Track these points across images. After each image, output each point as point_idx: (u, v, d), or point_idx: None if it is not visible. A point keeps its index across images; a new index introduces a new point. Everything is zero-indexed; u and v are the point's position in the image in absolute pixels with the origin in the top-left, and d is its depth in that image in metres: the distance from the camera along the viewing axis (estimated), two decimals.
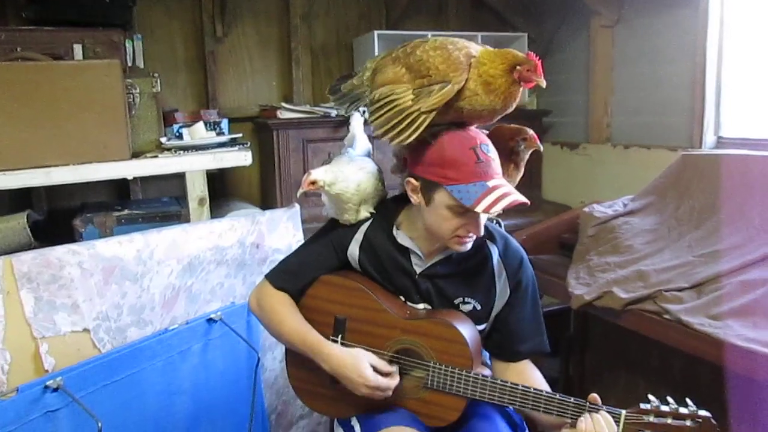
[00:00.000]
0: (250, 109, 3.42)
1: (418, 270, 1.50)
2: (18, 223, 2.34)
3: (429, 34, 3.39)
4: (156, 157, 2.46)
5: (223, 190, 3.41)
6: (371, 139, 1.74)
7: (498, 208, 1.27)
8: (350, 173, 1.52)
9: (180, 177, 2.59)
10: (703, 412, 1.23)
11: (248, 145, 2.60)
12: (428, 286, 1.49)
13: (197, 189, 2.50)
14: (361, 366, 1.40)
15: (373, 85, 1.42)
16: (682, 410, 1.24)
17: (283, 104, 2.99)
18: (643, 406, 1.26)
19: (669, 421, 1.23)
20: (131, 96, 2.58)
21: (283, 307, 1.55)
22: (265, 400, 2.25)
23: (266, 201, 3.38)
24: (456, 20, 3.89)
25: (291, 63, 3.51)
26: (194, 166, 2.47)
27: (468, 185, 1.29)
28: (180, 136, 2.68)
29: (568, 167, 3.55)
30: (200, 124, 2.72)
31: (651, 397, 1.26)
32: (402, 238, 1.49)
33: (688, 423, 1.22)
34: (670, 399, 1.26)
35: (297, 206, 2.44)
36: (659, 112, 3.00)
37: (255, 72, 3.49)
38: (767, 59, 2.53)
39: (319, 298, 1.55)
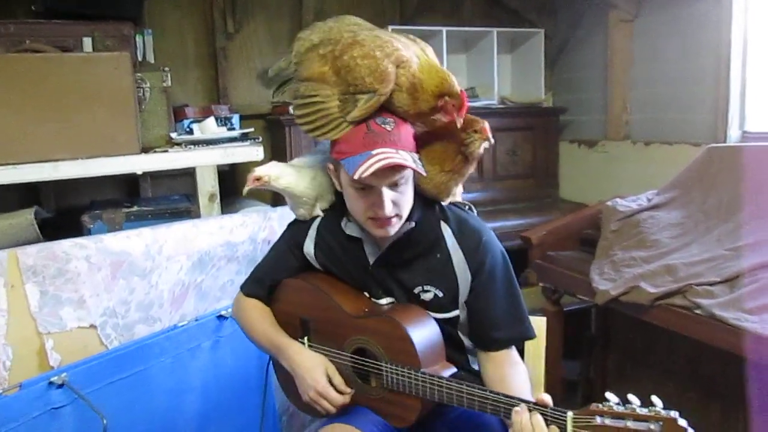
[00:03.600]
0: (262, 106, 3.37)
1: (371, 259, 1.44)
2: (25, 218, 2.29)
3: (444, 29, 3.38)
4: (166, 151, 2.41)
5: (233, 188, 3.35)
6: None
7: (370, 172, 1.21)
8: (303, 167, 1.49)
9: (190, 175, 2.55)
10: (669, 413, 1.05)
11: (260, 140, 2.55)
12: (384, 276, 1.43)
13: (208, 184, 2.44)
14: (316, 372, 1.39)
15: (297, 74, 1.38)
16: (642, 411, 1.07)
17: None
18: (594, 406, 1.09)
19: (628, 423, 1.06)
20: (141, 90, 2.54)
21: (252, 312, 1.55)
22: (276, 400, 2.19)
23: (277, 200, 3.32)
24: (471, 16, 3.83)
25: None
26: (205, 161, 2.42)
27: (355, 156, 1.25)
28: (190, 132, 2.63)
29: (586, 165, 3.48)
30: (211, 120, 2.67)
31: (609, 395, 1.10)
32: (351, 228, 1.44)
33: (652, 426, 1.05)
34: (632, 397, 1.09)
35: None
36: (680, 108, 2.92)
37: (266, 68, 3.44)
38: None
39: (288, 302, 1.54)
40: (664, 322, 1.65)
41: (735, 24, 2.58)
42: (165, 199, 2.91)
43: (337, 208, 1.48)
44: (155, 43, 2.96)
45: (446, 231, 1.41)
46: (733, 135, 2.61)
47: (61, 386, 1.52)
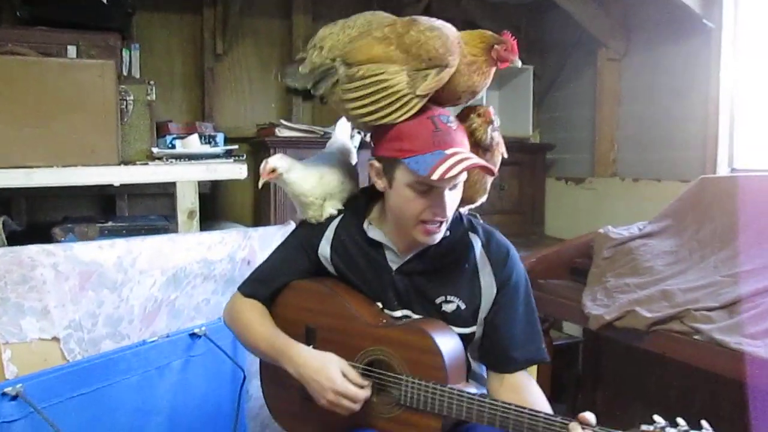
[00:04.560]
0: (247, 129, 3.32)
1: (393, 267, 1.37)
2: None
3: None
4: (146, 164, 2.33)
5: (214, 211, 3.28)
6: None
7: (455, 172, 1.17)
8: (313, 165, 1.45)
9: (170, 196, 2.47)
10: None
11: (244, 157, 2.49)
12: (406, 285, 1.36)
13: (188, 201, 2.36)
14: (330, 369, 1.26)
15: (348, 60, 1.31)
16: None
17: (282, 121, 2.89)
18: (645, 427, 1.08)
19: None
20: (124, 103, 2.47)
21: (251, 313, 1.44)
22: (248, 429, 2.07)
23: (259, 224, 3.25)
24: None
25: None
26: (186, 176, 2.35)
27: (425, 155, 1.20)
28: (173, 148, 2.56)
29: (573, 202, 3.46)
30: (195, 137, 2.60)
31: (657, 417, 1.08)
32: (374, 232, 1.37)
33: None
34: (680, 420, 1.07)
35: (292, 223, 2.31)
36: (669, 146, 2.93)
37: (254, 92, 3.42)
38: None
39: (291, 306, 1.44)
40: (661, 348, 1.59)
41: (723, 61, 2.60)
42: (142, 218, 2.82)
43: (358, 210, 1.42)
44: (142, 59, 2.93)
45: (475, 242, 1.36)
46: (722, 172, 2.61)
47: (15, 398, 1.39)
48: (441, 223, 1.27)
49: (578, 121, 3.57)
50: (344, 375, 1.27)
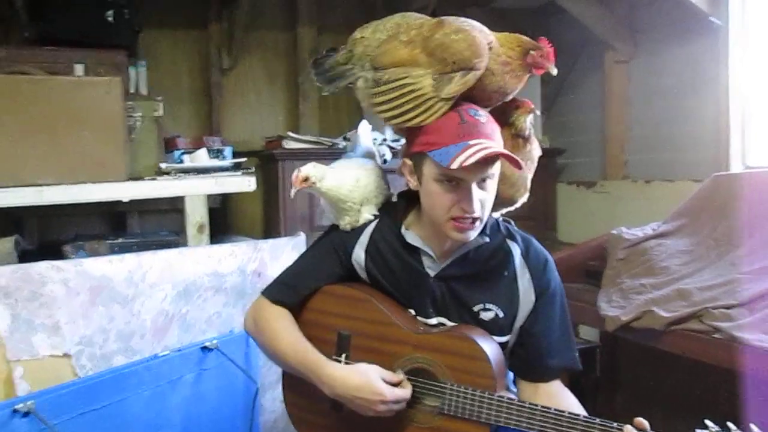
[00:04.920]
0: (256, 143, 3.33)
1: (431, 273, 1.34)
2: (3, 246, 2.21)
3: None
4: (154, 179, 2.34)
5: (224, 225, 3.28)
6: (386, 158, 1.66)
7: (473, 160, 1.14)
8: (345, 169, 1.41)
9: (180, 212, 2.47)
10: None
11: (252, 170, 2.49)
12: (443, 291, 1.33)
13: (197, 214, 2.36)
14: (373, 382, 1.23)
15: (376, 64, 1.32)
16: None
17: (290, 133, 2.90)
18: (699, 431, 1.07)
19: None
20: (132, 119, 2.49)
21: (279, 322, 1.38)
22: None
23: (269, 237, 3.24)
24: None
25: (298, 97, 3.44)
26: (195, 190, 2.35)
27: (449, 147, 1.18)
28: (181, 162, 2.57)
29: (585, 206, 3.42)
30: (203, 151, 2.61)
31: (708, 422, 1.08)
32: (411, 237, 1.34)
33: None
34: (731, 425, 1.07)
35: (302, 235, 2.30)
36: (681, 146, 2.89)
37: (261, 105, 3.43)
38: None
39: (321, 312, 1.39)
40: (679, 348, 1.55)
41: (732, 59, 2.58)
42: (152, 233, 2.82)
43: (394, 214, 1.39)
44: (149, 75, 2.95)
45: (515, 249, 1.34)
46: (736, 170, 2.57)
47: (27, 415, 1.38)
48: (474, 220, 1.23)
49: (588, 124, 3.54)
50: (383, 381, 1.24)
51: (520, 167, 1.21)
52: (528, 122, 1.33)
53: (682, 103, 2.87)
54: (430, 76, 1.24)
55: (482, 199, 1.23)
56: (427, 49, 1.26)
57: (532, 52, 1.24)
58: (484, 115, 1.24)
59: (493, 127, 1.24)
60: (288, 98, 3.47)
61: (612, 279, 1.86)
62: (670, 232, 1.97)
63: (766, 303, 1.49)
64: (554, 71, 1.27)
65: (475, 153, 1.15)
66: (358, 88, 1.36)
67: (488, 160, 1.18)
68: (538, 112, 1.34)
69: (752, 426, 1.06)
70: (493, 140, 1.22)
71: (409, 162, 1.30)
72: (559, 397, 1.28)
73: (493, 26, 1.31)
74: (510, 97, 1.31)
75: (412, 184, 1.31)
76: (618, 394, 2.15)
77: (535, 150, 1.38)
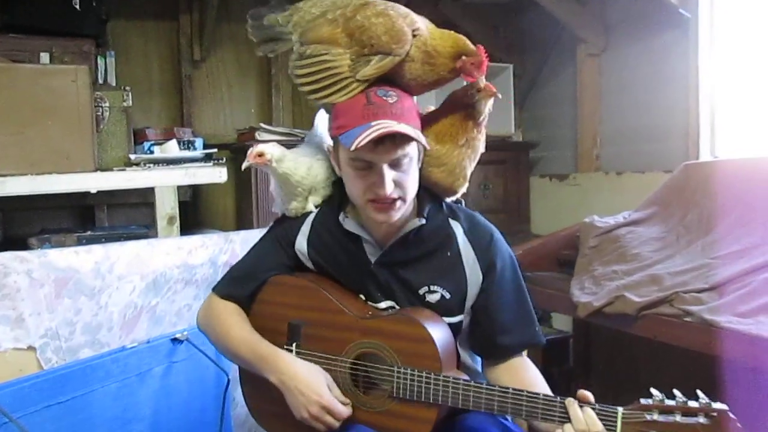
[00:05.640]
0: (227, 136, 3.29)
1: (372, 259, 1.33)
2: None
3: None
4: (123, 170, 2.29)
5: (195, 219, 3.23)
6: None
7: (366, 141, 1.13)
8: (301, 155, 1.42)
9: (150, 206, 2.42)
10: (718, 405, 1.04)
11: (224, 160, 2.45)
12: (387, 276, 1.32)
13: (167, 206, 2.32)
14: (320, 383, 1.24)
15: (302, 38, 1.31)
16: (692, 404, 1.04)
17: (262, 125, 2.86)
18: (644, 401, 1.06)
19: (677, 418, 1.04)
20: (100, 110, 2.43)
21: (229, 317, 1.37)
22: None
23: (241, 225, 3.21)
24: None
25: (271, 90, 3.41)
26: (164, 181, 2.30)
27: (354, 129, 1.17)
28: (151, 154, 2.52)
29: (558, 199, 3.44)
30: (173, 142, 2.57)
31: (654, 390, 1.07)
32: (350, 224, 1.33)
33: (701, 420, 1.03)
34: (677, 392, 1.07)
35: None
36: (652, 138, 2.93)
37: (233, 98, 3.38)
38: (760, 76, 2.48)
39: (271, 303, 1.39)
40: (651, 332, 1.56)
41: (702, 51, 2.61)
42: (122, 227, 2.76)
43: (334, 203, 1.38)
44: (118, 67, 2.89)
45: (457, 228, 1.33)
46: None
47: None
48: (394, 201, 1.22)
49: (560, 118, 3.57)
50: (330, 390, 1.25)
51: (424, 146, 1.22)
52: (487, 108, 1.29)
53: (653, 96, 2.91)
54: (349, 57, 1.24)
55: (397, 179, 1.21)
56: (348, 30, 1.26)
57: (464, 57, 1.21)
58: (394, 95, 1.22)
59: (402, 107, 1.22)
60: (260, 91, 3.43)
61: (584, 266, 1.87)
62: (642, 219, 1.99)
63: (736, 286, 1.51)
64: (482, 83, 1.24)
65: (371, 133, 1.14)
66: (290, 59, 1.34)
67: (397, 141, 1.17)
68: (500, 95, 1.32)
69: (698, 392, 1.06)
70: (401, 120, 1.19)
71: (330, 147, 1.32)
72: (520, 370, 1.28)
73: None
74: (428, 90, 1.29)
75: (336, 168, 1.32)
76: (591, 382, 2.16)
77: (481, 142, 1.34)
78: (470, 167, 1.36)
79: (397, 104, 1.21)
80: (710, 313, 1.43)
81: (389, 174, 1.20)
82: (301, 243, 1.38)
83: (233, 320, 1.37)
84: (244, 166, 1.37)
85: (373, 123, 1.16)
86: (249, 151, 1.35)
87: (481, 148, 1.37)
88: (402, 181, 1.22)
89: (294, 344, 1.32)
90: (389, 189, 1.20)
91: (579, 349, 2.27)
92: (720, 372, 1.42)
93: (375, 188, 1.21)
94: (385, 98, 1.20)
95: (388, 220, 1.24)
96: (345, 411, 1.24)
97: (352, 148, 1.14)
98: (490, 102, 1.29)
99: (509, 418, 1.37)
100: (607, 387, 2.10)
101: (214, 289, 1.44)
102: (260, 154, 1.34)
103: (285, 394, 1.26)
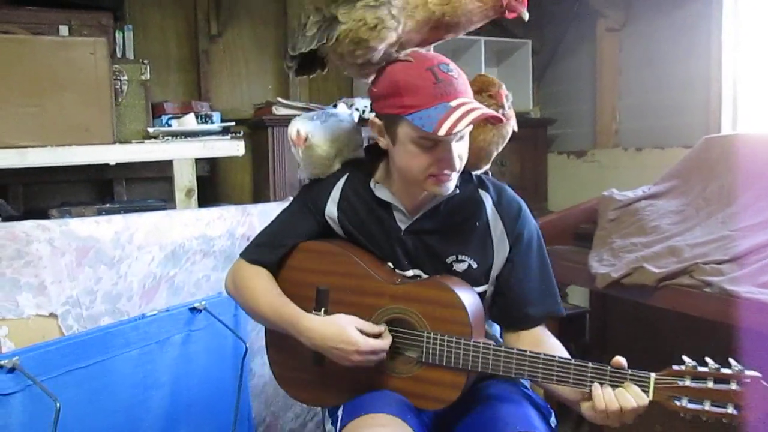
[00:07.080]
0: (244, 111, 3.28)
1: (402, 227, 1.33)
2: None
3: None
4: (142, 143, 2.31)
5: (213, 193, 3.25)
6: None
7: (463, 126, 1.13)
8: (321, 122, 1.43)
9: (168, 180, 2.44)
10: (751, 372, 1.04)
11: (241, 134, 2.45)
12: (416, 245, 1.33)
13: (185, 179, 2.34)
14: (348, 332, 1.22)
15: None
16: (725, 371, 1.04)
17: (279, 99, 2.86)
18: (676, 367, 1.08)
19: (710, 384, 1.05)
20: (119, 83, 2.45)
21: (256, 281, 1.38)
22: (252, 409, 2.04)
23: (258, 198, 3.22)
24: None
25: None
26: (183, 154, 2.32)
27: (429, 110, 1.15)
28: (169, 127, 2.54)
29: (576, 176, 3.42)
30: (191, 116, 2.58)
31: (685, 358, 1.08)
32: (381, 191, 1.34)
33: (733, 386, 1.03)
34: (708, 359, 1.08)
35: (291, 199, 2.28)
36: (672, 113, 2.89)
37: (250, 73, 3.37)
38: None
39: (299, 269, 1.39)
40: (670, 303, 1.55)
41: (725, 25, 2.56)
42: (140, 201, 2.79)
43: (364, 169, 1.38)
44: (136, 42, 2.90)
45: (486, 199, 1.33)
46: None
47: (12, 371, 1.37)
48: (452, 172, 1.24)
49: (579, 94, 3.53)
50: (360, 331, 1.23)
51: (502, 122, 1.25)
52: (499, 114, 1.30)
53: (674, 70, 2.86)
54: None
55: (460, 154, 1.23)
56: None
57: None
58: (455, 70, 1.21)
59: (464, 81, 1.23)
60: (277, 66, 3.41)
61: (603, 239, 1.86)
62: (661, 193, 1.96)
63: (756, 258, 1.49)
64: (526, 16, 1.25)
65: (462, 117, 1.13)
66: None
67: (470, 119, 1.16)
68: (511, 98, 1.34)
69: (730, 360, 1.06)
70: (468, 95, 1.20)
71: (378, 122, 1.27)
72: (543, 342, 1.28)
73: None
74: (471, 27, 1.29)
75: (383, 143, 1.29)
76: (608, 358, 2.16)
77: (511, 126, 1.37)
78: (496, 151, 1.40)
79: (460, 79, 1.21)
80: (730, 284, 1.42)
81: (456, 149, 1.21)
82: (331, 209, 1.38)
83: (261, 284, 1.37)
84: (295, 151, 1.39)
85: (452, 104, 1.15)
86: (293, 137, 1.36)
87: (509, 134, 1.40)
88: (462, 154, 1.23)
89: (322, 309, 1.31)
90: (458, 165, 1.22)
91: (595, 324, 2.26)
92: (739, 343, 1.41)
93: (441, 164, 1.21)
94: (450, 74, 1.19)
95: (446, 191, 1.25)
96: (383, 344, 1.23)
97: (442, 132, 1.12)
98: (500, 111, 1.31)
99: (528, 385, 1.38)
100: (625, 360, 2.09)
101: (241, 255, 1.45)
102: (306, 138, 1.36)
103: (323, 353, 1.26)
